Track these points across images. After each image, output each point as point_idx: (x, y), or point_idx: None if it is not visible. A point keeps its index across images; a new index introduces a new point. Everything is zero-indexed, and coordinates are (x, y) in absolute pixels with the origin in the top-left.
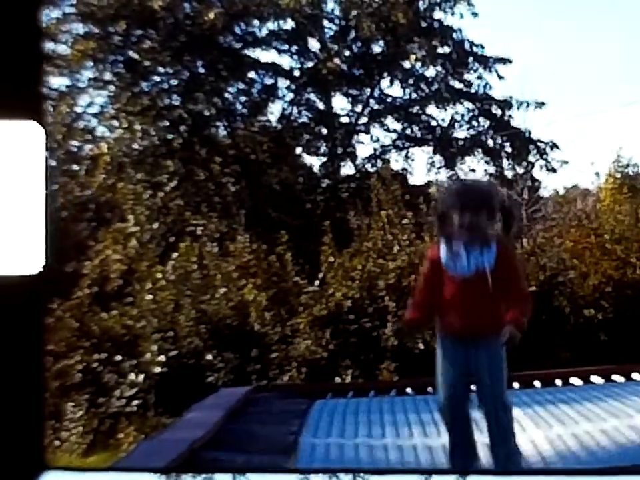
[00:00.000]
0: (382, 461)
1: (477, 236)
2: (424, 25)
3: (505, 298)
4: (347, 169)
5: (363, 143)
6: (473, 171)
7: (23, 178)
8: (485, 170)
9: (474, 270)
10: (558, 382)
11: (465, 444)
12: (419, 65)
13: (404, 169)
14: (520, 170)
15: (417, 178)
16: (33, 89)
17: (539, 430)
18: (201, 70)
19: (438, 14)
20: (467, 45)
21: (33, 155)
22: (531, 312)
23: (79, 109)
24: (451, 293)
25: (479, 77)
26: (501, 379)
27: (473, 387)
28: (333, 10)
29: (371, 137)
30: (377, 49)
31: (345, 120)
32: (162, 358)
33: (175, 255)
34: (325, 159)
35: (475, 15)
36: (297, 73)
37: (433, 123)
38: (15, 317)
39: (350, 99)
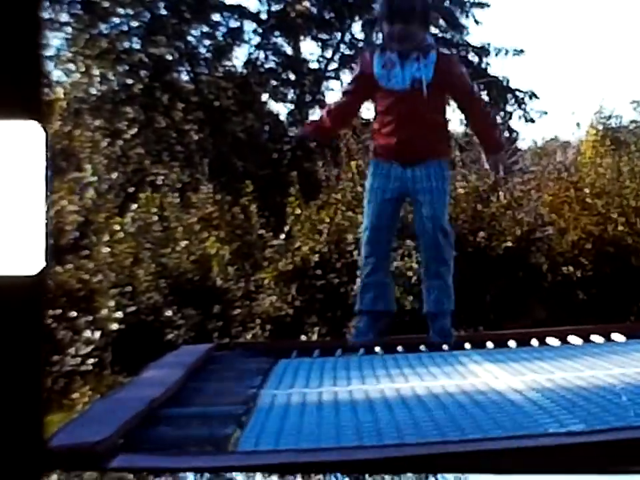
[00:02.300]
0: (347, 403)
1: (410, 46)
2: None
3: (467, 113)
4: (316, 116)
5: (332, 89)
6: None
7: (23, 178)
8: (460, 120)
9: (409, 83)
10: (534, 342)
11: (378, 284)
12: None
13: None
14: (497, 120)
15: None
16: (33, 88)
17: (514, 377)
18: (163, 11)
19: None
20: None
21: (33, 155)
22: (490, 113)
23: None
24: (384, 109)
25: (456, 22)
26: (442, 202)
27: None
28: None
29: (341, 84)
30: None
31: (314, 66)
32: (119, 314)
33: (134, 206)
34: (292, 107)
35: None
36: (263, 16)
37: None
38: (14, 317)
39: (319, 43)
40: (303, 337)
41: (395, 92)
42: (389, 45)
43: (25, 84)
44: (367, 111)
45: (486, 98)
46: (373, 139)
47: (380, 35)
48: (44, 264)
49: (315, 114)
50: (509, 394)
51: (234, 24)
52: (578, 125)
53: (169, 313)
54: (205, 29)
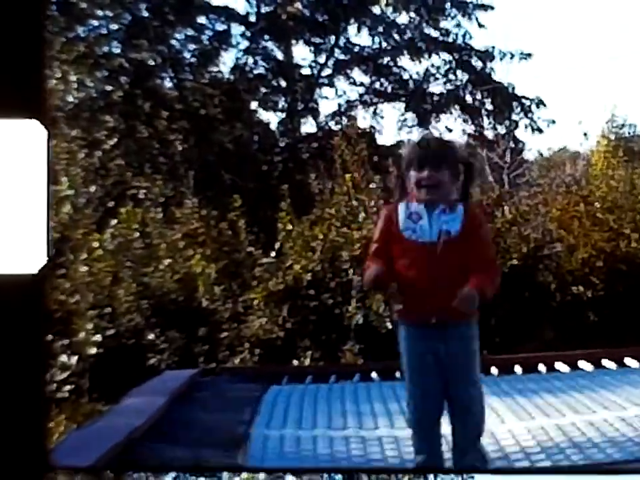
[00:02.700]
0: (343, 455)
1: (438, 195)
2: None
3: (471, 268)
4: (308, 126)
5: (326, 97)
6: (450, 130)
7: (23, 177)
8: (463, 129)
9: (437, 235)
10: (541, 367)
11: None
12: (390, 10)
13: (372, 127)
14: (502, 129)
15: (386, 137)
16: (34, 88)
17: (520, 422)
18: (145, 13)
19: None
20: None
21: (34, 153)
22: (497, 288)
23: None
24: (410, 265)
25: (458, 25)
26: (474, 370)
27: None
28: None
29: (336, 91)
30: None
31: (306, 72)
32: (98, 337)
33: (114, 221)
34: (283, 115)
35: None
36: (252, 18)
37: (405, 76)
38: (15, 315)
39: (312, 48)
40: (295, 362)
41: (421, 245)
42: (417, 192)
43: (26, 84)
44: (363, 120)
45: (490, 106)
46: (396, 295)
47: (402, 186)
48: (44, 262)
49: (307, 124)
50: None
51: (221, 27)
52: (585, 134)
53: (151, 336)
54: (190, 32)
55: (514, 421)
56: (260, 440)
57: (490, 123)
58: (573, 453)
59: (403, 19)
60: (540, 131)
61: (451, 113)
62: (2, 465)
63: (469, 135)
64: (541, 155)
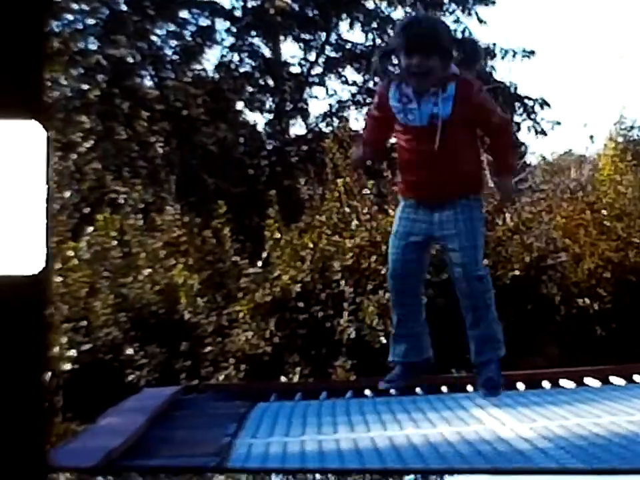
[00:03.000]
0: (333, 455)
1: (428, 82)
2: None
3: (488, 136)
4: (298, 128)
5: (316, 97)
6: None
7: (23, 178)
8: None
9: (427, 120)
10: (545, 384)
11: (410, 335)
12: (384, 4)
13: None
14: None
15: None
16: (34, 88)
17: (523, 424)
18: (123, 7)
19: None
20: None
21: (33, 154)
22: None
23: None
24: (404, 145)
25: (456, 21)
26: (473, 245)
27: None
28: None
29: (327, 91)
30: None
31: (295, 70)
32: (73, 352)
33: (90, 228)
34: (271, 116)
35: None
36: (238, 13)
37: None
38: (15, 316)
39: (302, 44)
40: (283, 378)
41: (412, 129)
42: (406, 79)
43: (26, 84)
44: (356, 122)
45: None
46: (399, 171)
47: (386, 64)
48: (44, 263)
49: (297, 125)
50: (518, 443)
51: (204, 22)
52: (592, 137)
53: (129, 351)
54: (172, 27)
55: (515, 423)
56: (244, 448)
57: None
58: (578, 452)
59: (398, 13)
60: (544, 133)
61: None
62: (1, 466)
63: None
64: (545, 158)
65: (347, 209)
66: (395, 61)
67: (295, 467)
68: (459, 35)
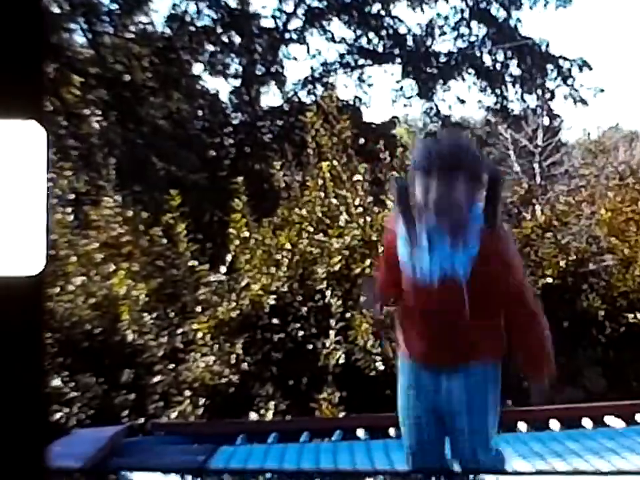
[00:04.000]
0: None
1: (449, 221)
2: None
3: (512, 324)
4: (271, 97)
5: (295, 58)
6: (462, 101)
7: (22, 178)
8: (480, 101)
9: (440, 277)
10: (586, 422)
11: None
12: None
13: (357, 99)
14: (532, 101)
15: (376, 112)
16: (33, 87)
17: None
18: None
19: None
20: None
21: (33, 154)
22: (548, 336)
23: None
24: (410, 302)
25: None
26: (484, 418)
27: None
28: None
29: (308, 50)
30: None
31: (268, 23)
32: None
33: None
34: (237, 83)
35: None
36: None
37: (402, 30)
38: (14, 318)
39: None
40: (254, 415)
41: (419, 285)
42: (423, 215)
43: (25, 82)
44: (345, 89)
45: (516, 70)
46: (400, 328)
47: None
48: (44, 264)
49: (270, 94)
50: None
51: None
52: None
53: (56, 381)
54: None
55: None
56: None
57: (516, 93)
58: None
59: None
60: (583, 102)
61: (464, 79)
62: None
63: (488, 108)
64: (588, 134)
65: (334, 200)
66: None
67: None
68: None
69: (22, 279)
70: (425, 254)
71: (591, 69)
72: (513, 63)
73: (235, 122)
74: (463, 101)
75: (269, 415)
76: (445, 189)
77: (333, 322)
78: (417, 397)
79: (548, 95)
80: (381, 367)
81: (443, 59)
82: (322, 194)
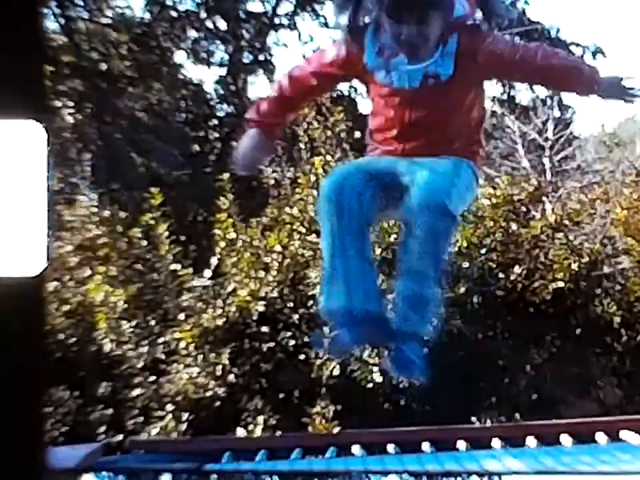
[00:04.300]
0: None
1: (422, 52)
2: None
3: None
4: (259, 87)
5: (285, 45)
6: None
7: (23, 178)
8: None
9: (420, 81)
10: (600, 437)
11: (351, 278)
12: None
13: (352, 89)
14: (542, 91)
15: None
16: (33, 87)
17: None
18: None
19: None
20: None
21: (33, 154)
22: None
23: None
24: (383, 112)
25: None
26: (448, 180)
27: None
28: None
29: (299, 36)
30: None
31: (256, 7)
32: None
33: None
34: (223, 72)
35: None
36: None
37: None
38: (14, 319)
39: None
40: (241, 431)
41: (398, 91)
42: (395, 47)
43: (25, 82)
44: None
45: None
46: (370, 143)
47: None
48: (45, 265)
49: (258, 84)
50: None
51: None
52: None
53: None
54: None
55: None
56: None
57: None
58: None
59: None
60: None
61: (483, 96)
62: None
63: (494, 99)
64: (602, 127)
65: None
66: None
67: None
68: None
69: (22, 279)
70: (401, 57)
71: (605, 56)
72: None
73: (221, 114)
74: None
75: (258, 431)
76: (415, 26)
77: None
78: (368, 163)
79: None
80: (379, 379)
81: None
82: (314, 191)
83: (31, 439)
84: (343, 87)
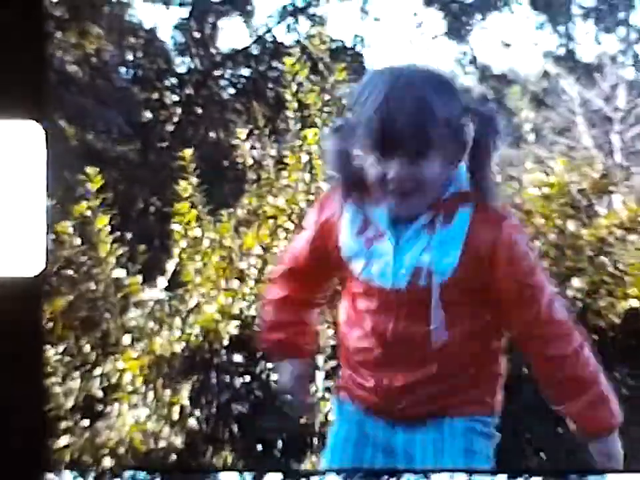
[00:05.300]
0: None
1: (416, 203)
2: None
3: (530, 350)
4: (233, 35)
5: None
6: (507, 45)
7: (22, 179)
8: (535, 44)
9: (409, 280)
10: None
11: None
12: None
13: (358, 39)
14: (611, 45)
15: (385, 58)
16: (33, 88)
17: None
18: None
19: None
20: None
21: (33, 155)
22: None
23: None
24: (358, 315)
25: None
26: None
27: None
28: None
29: None
30: None
31: None
32: None
33: None
34: (184, 13)
35: None
36: None
37: None
38: (14, 319)
39: None
40: None
41: (379, 292)
42: (380, 195)
43: (25, 83)
44: (338, 23)
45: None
46: (341, 357)
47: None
48: (44, 265)
49: (230, 30)
50: None
51: None
52: None
53: None
54: None
55: None
56: None
57: (588, 33)
58: None
59: None
60: None
61: (512, 11)
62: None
63: (548, 54)
64: None
65: (325, 185)
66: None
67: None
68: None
69: (22, 279)
70: (385, 246)
71: None
72: None
73: (181, 70)
74: (507, 45)
75: None
76: (408, 169)
77: (320, 360)
78: (361, 447)
79: (634, 36)
80: None
81: None
82: (307, 175)
83: (31, 438)
84: (347, 37)
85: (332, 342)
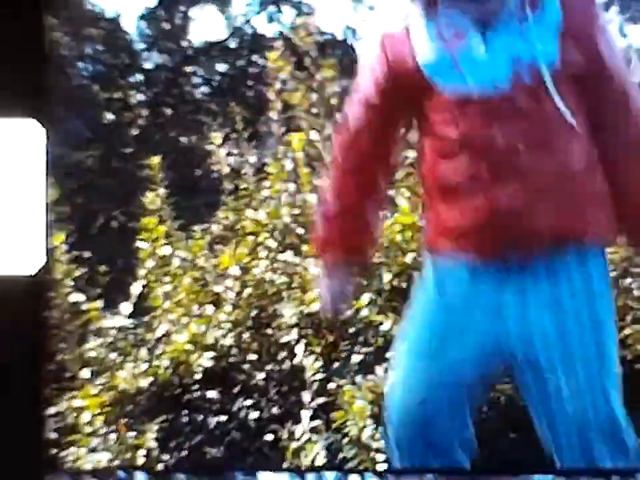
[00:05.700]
0: None
1: (500, 7)
2: None
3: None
4: (208, 25)
5: None
6: None
7: (22, 177)
8: None
9: (509, 77)
10: None
11: None
12: None
13: (349, 30)
14: (637, 37)
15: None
16: (33, 86)
17: None
18: None
19: None
20: None
21: (32, 153)
22: None
23: None
24: (450, 140)
25: None
26: (592, 361)
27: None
28: None
29: None
30: None
31: None
32: None
33: None
34: (152, 0)
35: None
36: None
37: None
38: (13, 317)
39: None
40: None
41: (473, 99)
42: (455, 4)
43: (25, 82)
44: (327, 12)
45: None
46: (426, 210)
47: None
48: (43, 263)
49: (205, 18)
50: None
51: None
52: None
53: None
54: None
55: None
56: None
57: (610, 22)
58: None
59: None
60: None
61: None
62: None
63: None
64: None
65: (312, 197)
66: None
67: None
68: None
69: (21, 278)
70: (474, 41)
71: None
72: None
73: (148, 65)
74: None
75: None
76: None
77: (307, 396)
78: (464, 319)
79: None
80: (382, 466)
81: None
82: (291, 185)
83: (30, 438)
84: (337, 29)
85: (319, 376)
